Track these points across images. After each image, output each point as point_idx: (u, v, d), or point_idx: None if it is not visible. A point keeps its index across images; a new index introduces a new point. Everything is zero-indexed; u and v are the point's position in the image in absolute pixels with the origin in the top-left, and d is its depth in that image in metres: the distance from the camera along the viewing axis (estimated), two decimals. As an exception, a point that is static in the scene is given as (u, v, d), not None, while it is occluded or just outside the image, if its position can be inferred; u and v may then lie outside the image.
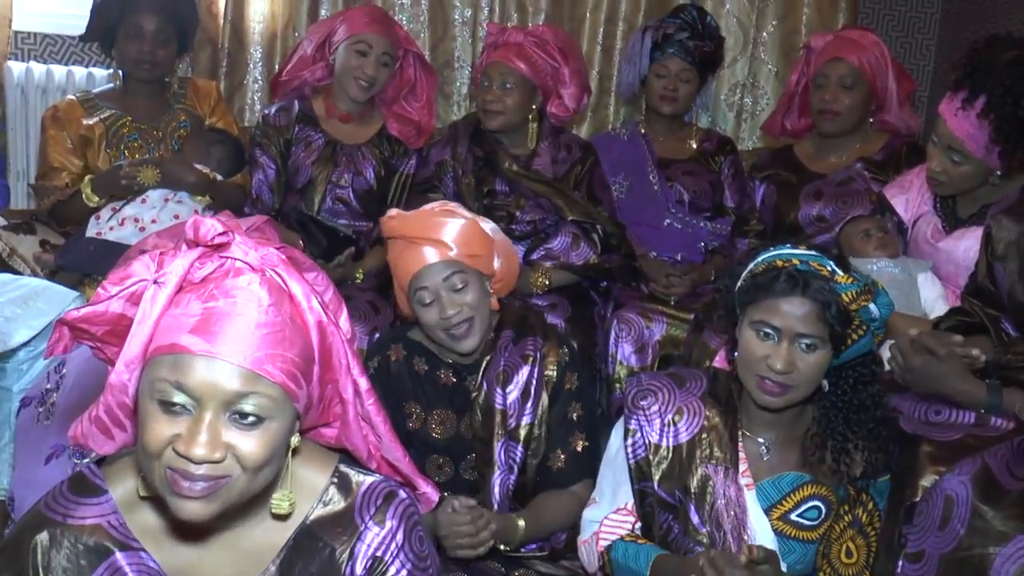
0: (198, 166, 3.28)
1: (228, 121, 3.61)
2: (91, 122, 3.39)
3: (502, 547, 2.24)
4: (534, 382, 2.38)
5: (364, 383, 1.45)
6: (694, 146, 3.79)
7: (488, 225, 2.40)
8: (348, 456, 1.53)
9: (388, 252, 2.39)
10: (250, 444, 1.29)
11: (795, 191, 3.56)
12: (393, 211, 2.39)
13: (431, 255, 2.27)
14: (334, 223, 3.39)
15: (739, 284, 2.03)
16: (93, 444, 1.40)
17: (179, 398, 1.27)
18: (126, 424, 1.38)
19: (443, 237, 2.27)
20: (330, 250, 3.25)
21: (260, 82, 4.27)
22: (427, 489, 1.61)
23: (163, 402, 1.28)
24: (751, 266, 2.02)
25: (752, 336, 1.96)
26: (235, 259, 1.34)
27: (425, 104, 3.62)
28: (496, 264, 2.39)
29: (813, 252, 1.98)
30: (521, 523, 2.26)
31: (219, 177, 3.35)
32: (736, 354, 2.04)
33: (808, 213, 3.51)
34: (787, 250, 1.99)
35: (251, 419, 1.29)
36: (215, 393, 1.27)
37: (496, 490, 2.34)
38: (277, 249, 1.38)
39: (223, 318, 1.28)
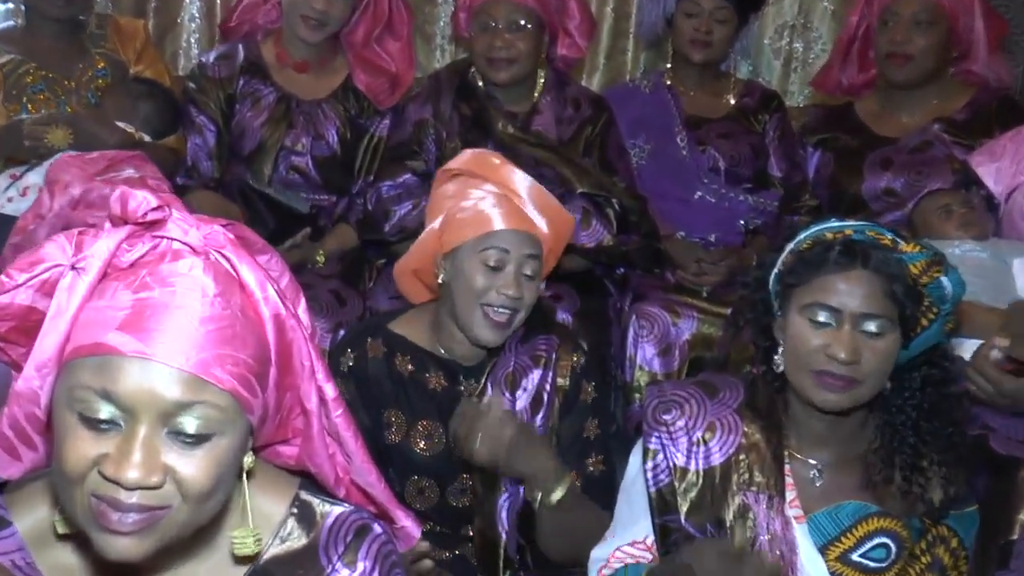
0: (120, 124, 3.30)
1: (158, 69, 3.62)
2: (-15, 69, 3.39)
3: (537, 496, 2.26)
4: (547, 388, 2.42)
5: (331, 390, 1.45)
6: (732, 101, 3.81)
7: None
8: (311, 481, 1.53)
9: (448, 187, 2.45)
10: (194, 466, 1.27)
11: (857, 159, 3.58)
12: (490, 151, 2.50)
13: (525, 223, 2.37)
14: (287, 198, 3.40)
15: (778, 268, 2.04)
16: None
17: (106, 410, 1.25)
18: (36, 441, 1.36)
19: (544, 212, 2.40)
20: (279, 232, 3.25)
21: (198, 20, 4.27)
22: (407, 523, 1.61)
23: (86, 415, 1.25)
24: (791, 246, 2.03)
25: (804, 325, 1.97)
26: (172, 239, 1.33)
27: (402, 48, 3.61)
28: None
29: (867, 222, 1.99)
30: (568, 480, 2.29)
31: (147, 138, 3.36)
32: (778, 356, 2.04)
33: (874, 186, 3.52)
34: (835, 223, 2.00)
35: (195, 436, 1.27)
36: (151, 403, 1.25)
37: (504, 514, 2.37)
38: (224, 227, 1.37)
39: (159, 311, 1.26)
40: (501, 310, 2.35)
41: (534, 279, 2.38)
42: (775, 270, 2.05)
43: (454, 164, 2.49)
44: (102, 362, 1.25)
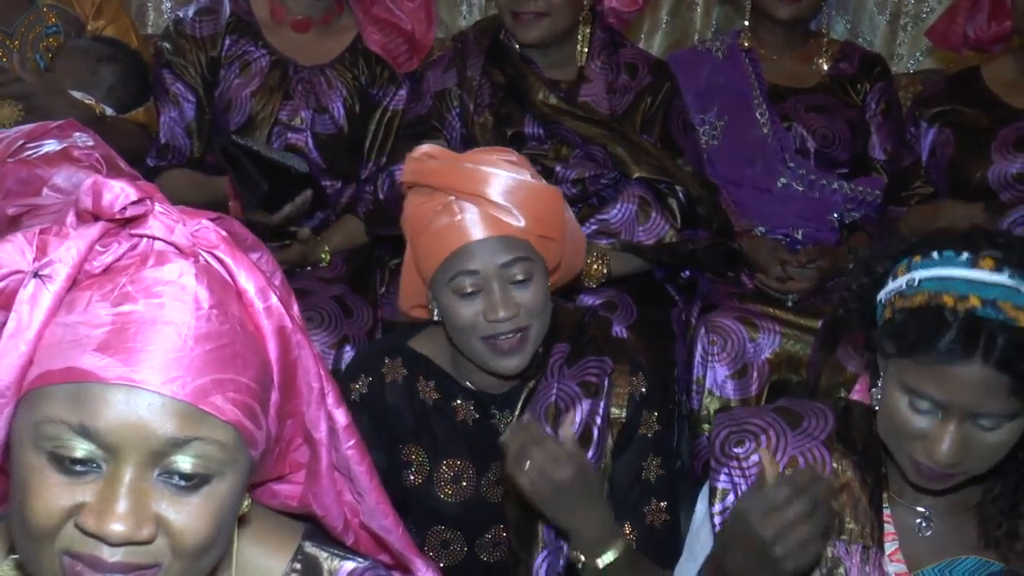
0: (76, 94, 3.35)
1: (122, 26, 3.66)
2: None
3: (581, 558, 2.23)
4: (598, 421, 2.42)
5: (342, 417, 1.46)
6: (825, 67, 3.85)
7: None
8: (315, 527, 1.56)
9: (408, 208, 2.41)
10: (189, 516, 1.26)
11: (985, 137, 3.58)
12: (427, 147, 2.40)
13: (489, 225, 2.30)
14: (282, 157, 3.36)
15: (885, 308, 2.00)
16: None
17: (83, 449, 1.23)
18: None
19: (510, 200, 2.29)
20: (275, 195, 3.21)
21: (172, -33, 4.34)
22: (426, 574, 1.62)
23: (58, 455, 1.23)
24: (902, 284, 1.97)
25: (903, 402, 1.94)
26: (155, 238, 1.32)
27: (422, 5, 3.63)
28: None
29: (1006, 278, 1.88)
30: (622, 544, 2.24)
31: (109, 111, 3.42)
32: (876, 389, 2.04)
33: (1004, 171, 3.52)
34: (961, 271, 1.90)
35: (192, 479, 1.26)
36: (139, 441, 1.23)
37: (543, 575, 2.38)
38: (213, 221, 1.36)
39: (145, 328, 1.25)
40: (503, 337, 2.34)
41: (528, 282, 2.33)
42: (883, 296, 2.01)
43: (403, 177, 2.47)
44: (77, 390, 1.24)
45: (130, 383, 1.23)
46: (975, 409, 1.87)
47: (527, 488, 2.16)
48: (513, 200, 2.29)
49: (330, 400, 1.45)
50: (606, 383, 2.44)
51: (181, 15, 3.62)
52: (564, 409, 2.41)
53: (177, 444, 1.24)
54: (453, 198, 2.31)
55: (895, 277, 1.98)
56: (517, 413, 2.45)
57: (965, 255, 1.90)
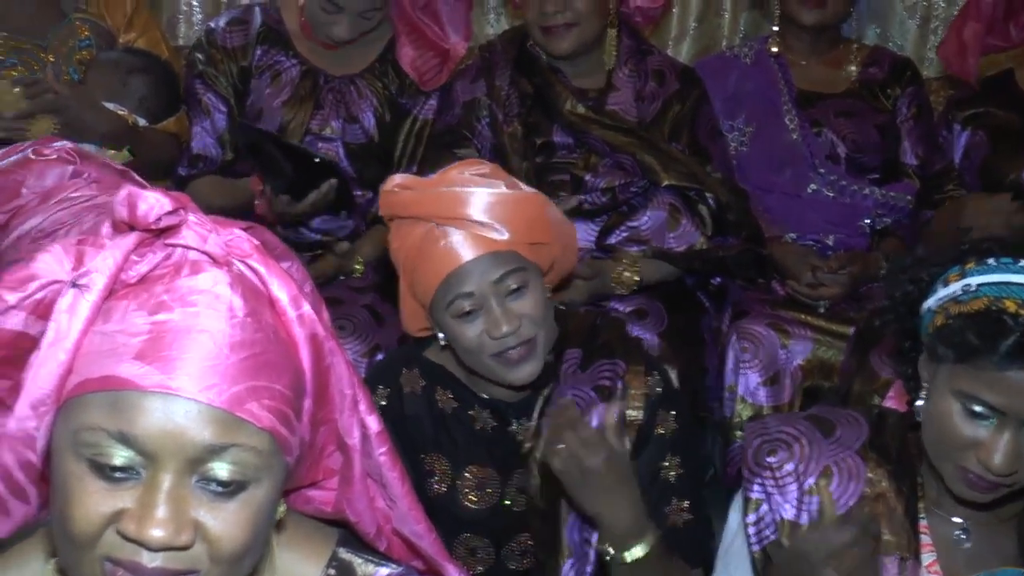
0: (109, 106, 3.36)
1: (152, 37, 3.68)
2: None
3: (609, 551, 2.22)
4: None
5: (374, 423, 1.48)
6: (854, 72, 3.83)
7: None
8: (350, 533, 1.56)
9: (394, 241, 2.41)
10: (227, 522, 1.28)
11: (1018, 139, 3.58)
12: (399, 177, 2.40)
13: (474, 245, 2.28)
14: (306, 145, 3.37)
15: (936, 315, 1.97)
16: None
17: (122, 456, 1.25)
18: (30, 493, 1.37)
19: (492, 216, 2.28)
20: (301, 182, 3.20)
21: (203, -21, 4.36)
22: None
23: (98, 463, 1.25)
24: (956, 290, 1.94)
25: (954, 409, 1.91)
26: (189, 248, 1.33)
27: (463, 19, 3.63)
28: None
29: None
30: (652, 539, 2.23)
31: (142, 122, 3.43)
32: (919, 404, 2.01)
33: (1040, 175, 3.53)
34: (1021, 277, 1.89)
35: (229, 485, 1.28)
36: (178, 448, 1.25)
37: None
38: (245, 230, 1.38)
39: (181, 336, 1.26)
40: (512, 350, 2.33)
41: (524, 290, 2.32)
42: (932, 303, 1.98)
43: (380, 211, 2.45)
44: (115, 398, 1.26)
45: (167, 391, 1.25)
46: None
47: (557, 469, 2.17)
48: (494, 215, 2.28)
49: (362, 407, 1.46)
50: (620, 385, 2.42)
51: (213, 26, 3.64)
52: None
53: (214, 451, 1.26)
54: (434, 224, 2.29)
55: (946, 284, 1.96)
56: (534, 420, 2.43)
57: (1023, 262, 1.90)
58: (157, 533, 1.24)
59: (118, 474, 1.26)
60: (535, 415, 2.43)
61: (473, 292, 2.29)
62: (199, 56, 3.59)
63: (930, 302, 1.98)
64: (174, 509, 1.25)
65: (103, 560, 1.26)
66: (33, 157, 2.45)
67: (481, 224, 2.27)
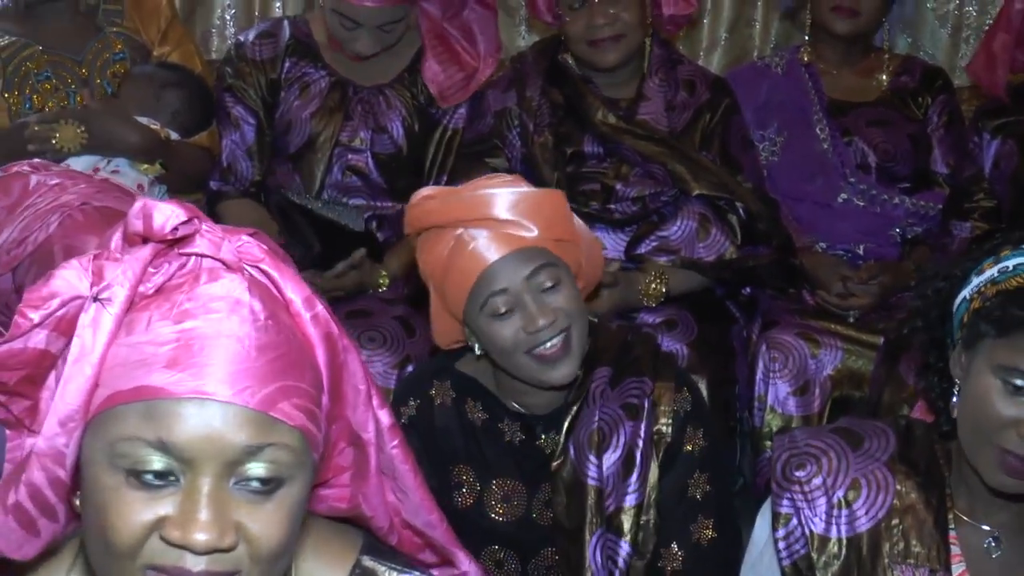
0: (142, 119, 3.36)
1: (186, 51, 3.69)
2: (-22, 54, 3.48)
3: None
4: (640, 443, 2.39)
5: (386, 417, 1.49)
6: (885, 81, 3.82)
7: None
8: (373, 539, 1.57)
9: (423, 255, 2.41)
10: (266, 522, 1.29)
11: (1049, 148, 3.55)
12: (426, 190, 2.41)
13: (502, 243, 2.29)
14: (337, 215, 3.39)
15: (972, 293, 2.01)
16: (6, 548, 1.38)
17: (161, 462, 1.26)
18: (58, 511, 1.36)
19: (517, 213, 2.29)
20: (327, 256, 3.24)
21: (236, -7, 4.38)
22: (468, 567, 1.64)
23: (136, 471, 1.26)
24: (995, 272, 1.98)
25: (994, 387, 1.92)
26: (203, 256, 1.35)
27: (490, 32, 3.62)
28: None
29: None
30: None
31: (174, 135, 3.44)
32: (954, 402, 2.02)
33: (1071, 184, 3.51)
34: None
35: (267, 485, 1.30)
36: (217, 451, 1.27)
37: None
38: (251, 236, 1.39)
39: (209, 342, 1.28)
40: (548, 344, 2.32)
41: (558, 286, 2.32)
42: (967, 292, 2.02)
43: (407, 228, 2.45)
44: (149, 407, 1.27)
45: (202, 395, 1.26)
46: None
47: None
48: (520, 212, 2.29)
49: (375, 401, 1.47)
50: (647, 404, 2.40)
51: (242, 39, 3.65)
52: (607, 434, 2.39)
53: (251, 452, 1.28)
54: (462, 230, 2.30)
55: (980, 273, 1.99)
56: (563, 435, 2.42)
57: None
58: (202, 537, 1.25)
59: (157, 481, 1.27)
60: (563, 430, 2.42)
61: (507, 288, 2.29)
62: (228, 70, 3.61)
63: (965, 292, 2.01)
64: (216, 512, 1.26)
65: (145, 569, 1.27)
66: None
67: (508, 222, 2.28)
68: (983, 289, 1.98)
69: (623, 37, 3.43)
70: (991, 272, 1.97)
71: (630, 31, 3.44)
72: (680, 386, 2.45)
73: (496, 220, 2.28)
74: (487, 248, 2.28)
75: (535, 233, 2.29)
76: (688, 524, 2.39)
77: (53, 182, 2.46)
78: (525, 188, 2.33)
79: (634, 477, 2.37)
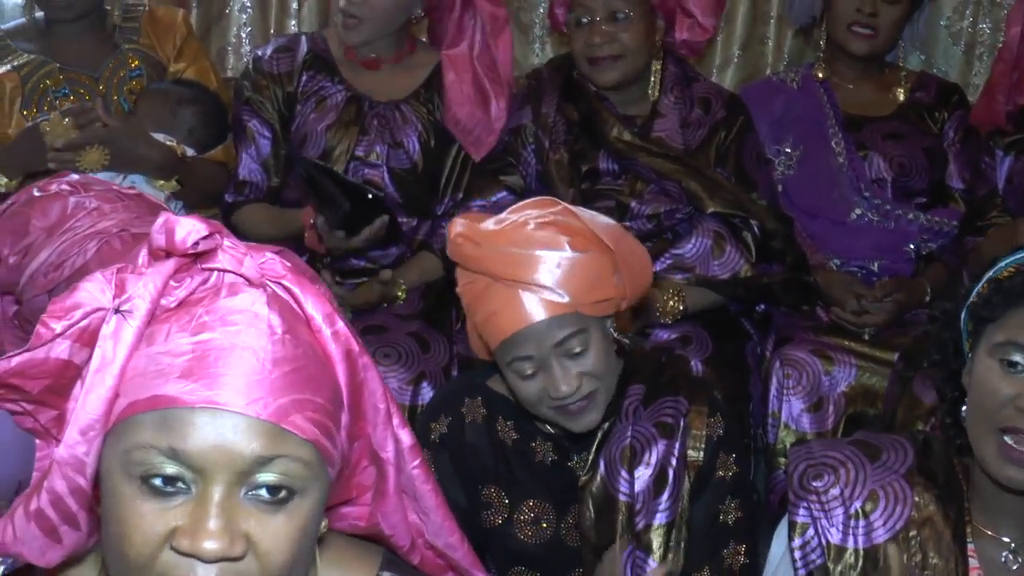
0: (158, 136, 3.38)
1: (202, 68, 3.71)
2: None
3: None
4: (673, 462, 2.38)
5: (407, 437, 1.50)
6: (901, 96, 3.82)
7: (601, 222, 2.36)
8: (393, 555, 1.57)
9: (461, 280, 2.38)
10: (275, 534, 1.30)
11: (1062, 164, 3.55)
12: (460, 225, 2.36)
13: (535, 309, 2.25)
14: (359, 180, 3.37)
15: (972, 299, 2.03)
16: (29, 553, 1.39)
17: (172, 469, 1.28)
18: (80, 519, 1.37)
19: (553, 280, 2.24)
20: (357, 217, 3.18)
21: (250, 11, 4.38)
22: None
23: (149, 478, 1.28)
24: (991, 274, 2.02)
25: (993, 368, 1.94)
26: (225, 271, 1.37)
27: (507, 62, 3.62)
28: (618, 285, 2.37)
29: None
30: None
31: (190, 152, 3.46)
32: (964, 407, 2.03)
33: (1083, 201, 3.51)
34: None
35: (278, 494, 1.31)
36: (228, 461, 1.28)
37: None
38: (276, 254, 1.41)
39: (225, 354, 1.30)
40: (571, 405, 2.32)
41: (586, 351, 2.30)
42: (968, 302, 2.04)
43: (448, 251, 2.42)
44: (164, 416, 1.29)
45: (215, 406, 1.28)
46: None
47: None
48: (557, 281, 2.24)
49: (395, 420, 1.49)
50: (682, 423, 2.40)
51: (260, 53, 3.66)
52: (639, 450, 2.38)
53: (262, 462, 1.29)
54: (495, 280, 2.28)
55: (981, 279, 2.03)
56: (593, 450, 2.41)
57: None
58: (211, 545, 1.26)
59: (167, 487, 1.28)
60: (594, 449, 2.42)
61: (533, 356, 2.28)
62: (246, 83, 3.62)
63: (965, 307, 2.04)
64: (226, 520, 1.27)
65: None
66: (38, 195, 2.52)
67: (544, 288, 2.24)
68: (981, 290, 2.02)
69: (621, 58, 3.45)
70: (989, 274, 2.02)
71: (629, 53, 3.45)
72: (713, 412, 2.44)
73: (534, 285, 2.25)
74: (521, 310, 2.26)
75: (567, 300, 2.25)
76: (720, 549, 2.39)
77: (92, 205, 2.47)
78: (567, 251, 2.26)
79: (665, 495, 2.36)
